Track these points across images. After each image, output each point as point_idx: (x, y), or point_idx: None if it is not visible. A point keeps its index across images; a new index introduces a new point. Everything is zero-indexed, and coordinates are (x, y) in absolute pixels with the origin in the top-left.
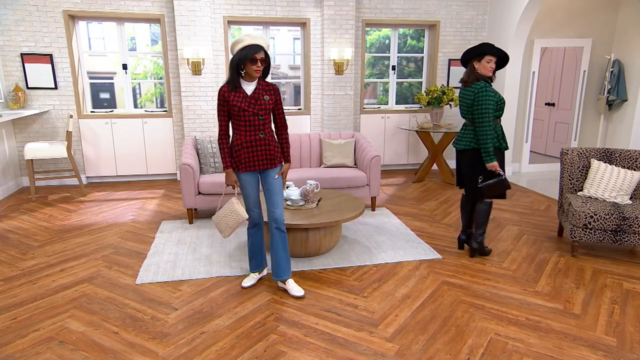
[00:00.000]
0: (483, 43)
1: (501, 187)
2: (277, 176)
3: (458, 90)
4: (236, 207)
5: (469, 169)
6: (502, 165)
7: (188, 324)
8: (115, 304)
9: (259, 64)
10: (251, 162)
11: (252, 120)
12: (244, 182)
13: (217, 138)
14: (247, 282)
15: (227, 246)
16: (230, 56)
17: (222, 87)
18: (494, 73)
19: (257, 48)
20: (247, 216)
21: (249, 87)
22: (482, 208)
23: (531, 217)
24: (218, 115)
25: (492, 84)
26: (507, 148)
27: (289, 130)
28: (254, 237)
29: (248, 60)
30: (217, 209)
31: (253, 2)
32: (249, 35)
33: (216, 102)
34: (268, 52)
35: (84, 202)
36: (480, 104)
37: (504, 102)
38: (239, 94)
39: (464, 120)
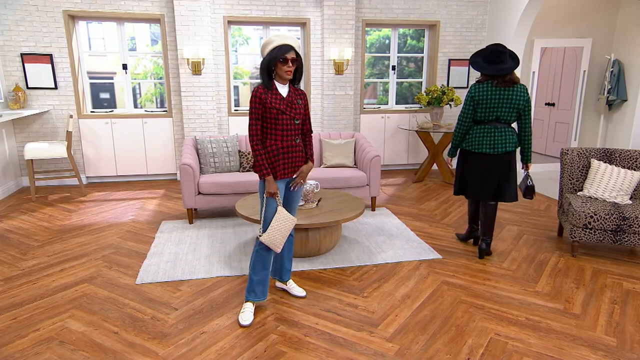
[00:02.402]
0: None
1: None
2: (298, 184)
3: (483, 89)
4: (286, 214)
5: (513, 169)
6: None
7: (188, 324)
8: (115, 304)
9: (290, 64)
10: (288, 169)
11: (289, 125)
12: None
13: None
14: (247, 318)
15: (227, 246)
16: (261, 59)
17: (257, 88)
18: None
19: (288, 48)
20: (295, 218)
21: (283, 90)
22: (495, 210)
23: (531, 217)
24: (251, 119)
25: None
26: None
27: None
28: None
29: (278, 61)
30: (261, 225)
31: (253, 2)
32: (279, 36)
33: (216, 102)
34: (299, 52)
35: (84, 202)
36: (530, 103)
37: None
38: (275, 96)
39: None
